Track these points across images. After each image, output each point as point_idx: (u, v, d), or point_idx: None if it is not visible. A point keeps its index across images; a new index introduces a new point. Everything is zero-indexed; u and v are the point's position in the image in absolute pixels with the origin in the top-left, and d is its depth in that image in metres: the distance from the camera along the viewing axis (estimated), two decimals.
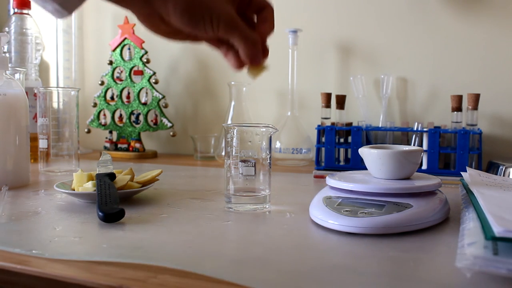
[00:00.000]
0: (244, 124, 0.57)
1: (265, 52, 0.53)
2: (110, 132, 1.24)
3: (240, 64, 0.53)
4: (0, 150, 0.72)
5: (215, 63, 1.25)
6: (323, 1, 1.13)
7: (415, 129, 0.90)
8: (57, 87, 1.24)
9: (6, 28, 1.04)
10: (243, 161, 0.56)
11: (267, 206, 0.58)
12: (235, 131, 0.57)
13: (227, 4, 0.48)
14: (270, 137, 0.58)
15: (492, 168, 0.83)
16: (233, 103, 1.11)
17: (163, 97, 1.19)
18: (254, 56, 0.50)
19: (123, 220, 0.52)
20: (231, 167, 0.57)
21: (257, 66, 0.52)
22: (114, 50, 1.22)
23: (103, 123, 1.24)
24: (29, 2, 1.04)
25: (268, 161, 0.58)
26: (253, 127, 0.58)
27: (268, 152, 0.57)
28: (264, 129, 0.57)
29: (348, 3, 1.10)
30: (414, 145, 0.91)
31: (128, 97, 1.22)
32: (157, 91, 1.19)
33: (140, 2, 0.45)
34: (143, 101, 1.20)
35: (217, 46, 0.53)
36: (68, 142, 0.90)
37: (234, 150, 0.57)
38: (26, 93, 0.78)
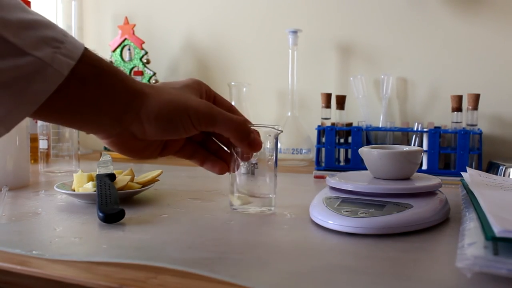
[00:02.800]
0: (249, 125, 0.56)
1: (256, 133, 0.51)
2: None
3: (222, 167, 0.52)
4: (0, 150, 0.72)
5: (215, 64, 1.25)
6: (323, 1, 1.13)
7: (415, 129, 0.90)
8: None
9: None
10: (247, 162, 0.56)
11: (272, 208, 0.57)
12: None
13: (198, 97, 0.47)
14: (276, 138, 0.57)
15: (492, 168, 0.83)
16: (233, 103, 1.11)
17: None
18: (246, 134, 0.48)
19: (123, 220, 0.52)
20: (235, 168, 0.57)
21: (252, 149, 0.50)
22: (114, 50, 1.23)
23: None
24: (29, 2, 1.05)
25: (274, 162, 0.57)
26: (258, 128, 0.57)
27: (272, 153, 0.57)
28: (268, 130, 0.56)
29: (348, 3, 1.10)
30: (414, 145, 0.91)
31: None
32: None
33: (110, 120, 0.41)
34: None
35: (191, 156, 0.51)
36: (68, 143, 0.90)
37: (238, 150, 0.56)
38: None
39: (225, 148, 0.54)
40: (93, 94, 0.40)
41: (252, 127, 0.51)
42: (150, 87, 0.44)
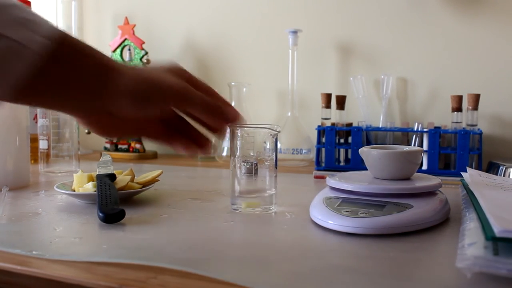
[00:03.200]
0: (247, 125, 0.57)
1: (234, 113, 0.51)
2: None
3: (189, 146, 0.51)
4: (0, 151, 0.72)
5: (215, 64, 1.25)
6: (323, 1, 1.13)
7: (415, 129, 0.90)
8: None
9: None
10: (247, 162, 0.56)
11: (273, 208, 0.58)
12: (238, 131, 0.56)
13: (175, 77, 0.47)
14: (275, 138, 0.57)
15: (492, 168, 0.83)
16: (233, 103, 1.11)
17: None
18: (218, 108, 0.48)
19: (123, 220, 0.52)
20: (236, 168, 0.57)
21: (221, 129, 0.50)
22: (114, 51, 1.22)
23: None
24: (29, 2, 1.05)
25: (274, 162, 0.57)
26: (257, 128, 0.57)
27: (272, 153, 0.57)
28: (267, 130, 0.56)
29: (348, 3, 1.10)
30: (414, 145, 0.91)
31: None
32: None
33: (89, 96, 0.42)
34: None
35: (166, 139, 0.51)
36: (69, 143, 0.90)
37: (238, 151, 0.56)
38: None
39: (199, 127, 0.53)
40: (71, 72, 0.40)
41: (251, 127, 0.51)
42: (128, 67, 0.44)
